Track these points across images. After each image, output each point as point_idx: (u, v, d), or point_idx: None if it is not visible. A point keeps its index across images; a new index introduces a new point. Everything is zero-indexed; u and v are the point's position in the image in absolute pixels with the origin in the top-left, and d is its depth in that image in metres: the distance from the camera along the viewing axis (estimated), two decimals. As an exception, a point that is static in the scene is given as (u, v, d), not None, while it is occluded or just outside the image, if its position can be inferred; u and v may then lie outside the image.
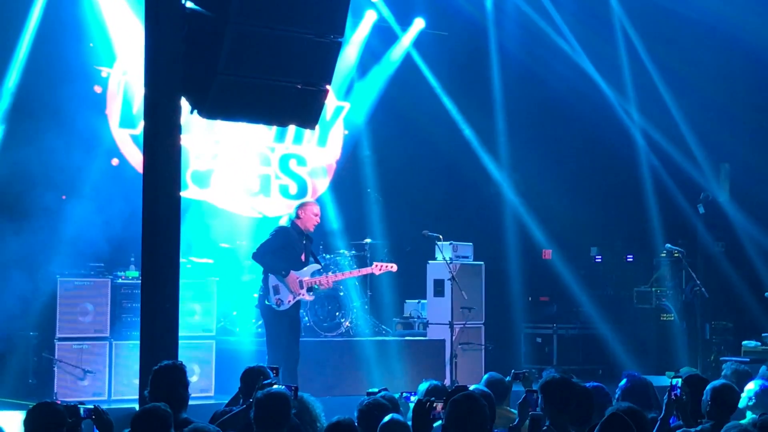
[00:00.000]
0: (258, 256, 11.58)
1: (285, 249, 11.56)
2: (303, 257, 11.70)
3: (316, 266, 11.83)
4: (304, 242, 11.72)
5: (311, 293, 11.71)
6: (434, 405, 6.16)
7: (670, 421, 6.94)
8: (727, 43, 15.66)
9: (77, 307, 11.49)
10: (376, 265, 12.64)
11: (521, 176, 16.70)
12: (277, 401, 6.49)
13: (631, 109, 16.65)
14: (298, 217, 11.60)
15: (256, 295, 12.00)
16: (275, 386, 6.87)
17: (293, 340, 11.47)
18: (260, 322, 12.75)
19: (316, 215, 11.69)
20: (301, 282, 11.51)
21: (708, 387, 7.08)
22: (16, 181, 12.33)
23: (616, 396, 7.65)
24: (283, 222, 11.93)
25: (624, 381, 7.88)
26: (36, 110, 12.76)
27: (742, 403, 7.53)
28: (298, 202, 12.04)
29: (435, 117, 16.32)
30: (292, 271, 11.43)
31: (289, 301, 11.42)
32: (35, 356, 11.80)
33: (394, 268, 12.79)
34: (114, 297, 11.67)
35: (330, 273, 12.40)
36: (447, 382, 12.06)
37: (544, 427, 6.56)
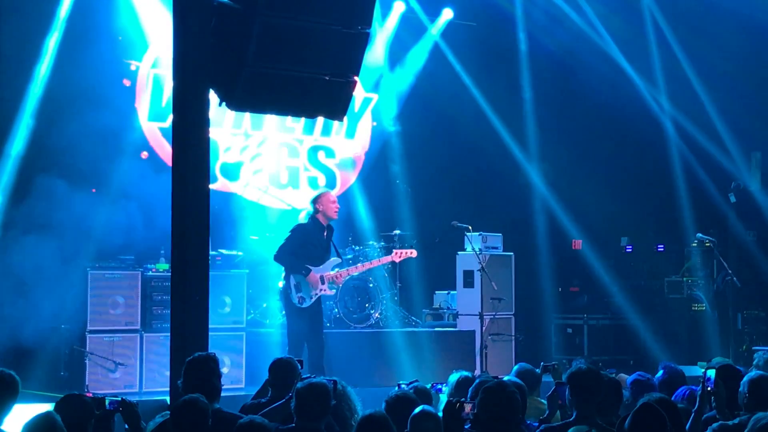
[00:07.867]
0: (278, 257, 11.66)
1: (304, 247, 11.62)
2: (325, 251, 11.73)
3: (337, 260, 11.88)
4: (326, 234, 11.74)
5: (332, 287, 11.79)
6: (464, 406, 6.13)
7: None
8: (758, 30, 15.49)
9: (108, 299, 11.56)
10: (396, 253, 12.70)
11: (551, 166, 16.64)
12: (318, 392, 6.51)
13: (661, 98, 16.52)
14: (316, 210, 11.65)
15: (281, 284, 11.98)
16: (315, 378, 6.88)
17: (315, 333, 11.55)
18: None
19: (334, 202, 11.73)
20: (322, 278, 11.60)
21: (745, 379, 6.99)
22: (46, 175, 12.38)
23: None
24: (302, 217, 11.94)
25: (661, 372, 7.83)
26: (65, 103, 12.79)
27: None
28: (312, 196, 12.01)
29: (463, 108, 16.26)
30: (312, 271, 11.49)
31: (311, 298, 11.53)
32: (66, 349, 11.86)
33: (414, 253, 12.81)
34: (144, 289, 11.75)
35: (351, 266, 12.45)
36: (477, 372, 12.03)
37: (572, 418, 6.55)
